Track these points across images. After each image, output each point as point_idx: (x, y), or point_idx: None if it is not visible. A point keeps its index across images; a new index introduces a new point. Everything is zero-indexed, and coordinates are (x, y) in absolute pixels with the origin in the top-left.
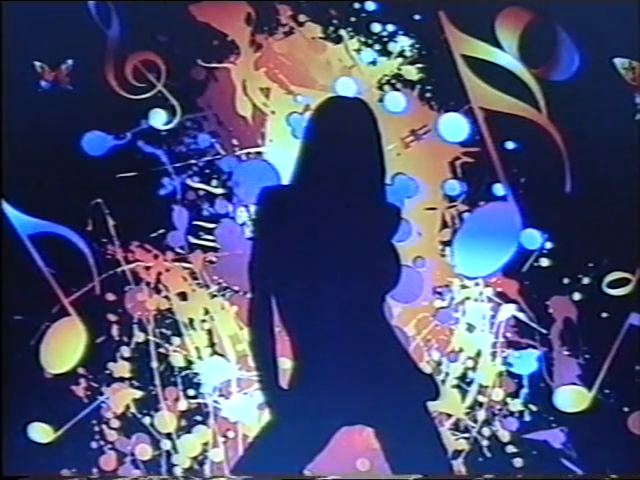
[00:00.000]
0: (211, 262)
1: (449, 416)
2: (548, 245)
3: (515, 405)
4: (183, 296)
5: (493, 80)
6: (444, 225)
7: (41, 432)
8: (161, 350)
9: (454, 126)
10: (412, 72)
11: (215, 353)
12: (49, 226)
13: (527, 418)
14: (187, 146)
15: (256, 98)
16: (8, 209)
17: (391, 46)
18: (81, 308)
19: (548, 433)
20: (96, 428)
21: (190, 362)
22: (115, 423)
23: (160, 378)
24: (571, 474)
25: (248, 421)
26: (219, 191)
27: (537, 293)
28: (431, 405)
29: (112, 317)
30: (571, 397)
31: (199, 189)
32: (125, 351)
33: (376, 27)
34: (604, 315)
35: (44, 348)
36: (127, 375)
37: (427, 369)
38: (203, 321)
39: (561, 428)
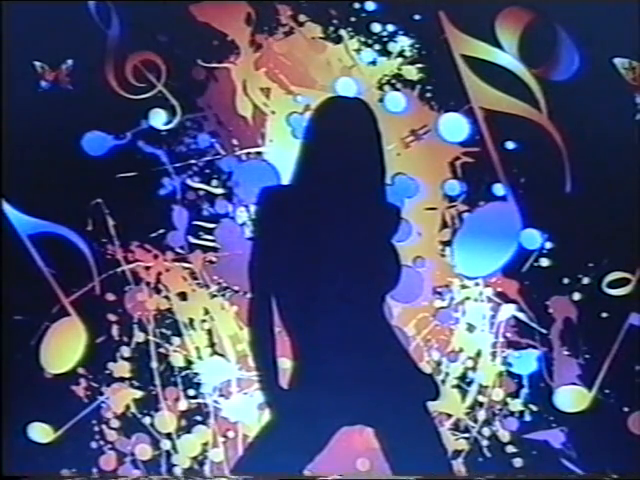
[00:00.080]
0: (211, 262)
1: (449, 416)
2: (548, 245)
3: (515, 405)
4: (183, 296)
5: (493, 80)
6: (444, 225)
7: (41, 432)
8: (161, 350)
9: (454, 126)
10: (412, 72)
11: (215, 353)
12: (49, 226)
13: (527, 418)
14: (187, 146)
15: (256, 98)
16: (8, 209)
17: (391, 46)
18: (81, 308)
19: (548, 433)
20: (96, 428)
21: (190, 362)
22: (115, 423)
23: (160, 378)
24: (571, 474)
25: (248, 421)
26: (219, 191)
27: (537, 293)
28: (431, 405)
29: (112, 317)
30: (571, 397)
31: (199, 189)
32: (125, 351)
33: (376, 27)
34: (604, 315)
35: (44, 348)
36: (127, 375)
37: (427, 369)
38: (203, 321)
39: (561, 428)
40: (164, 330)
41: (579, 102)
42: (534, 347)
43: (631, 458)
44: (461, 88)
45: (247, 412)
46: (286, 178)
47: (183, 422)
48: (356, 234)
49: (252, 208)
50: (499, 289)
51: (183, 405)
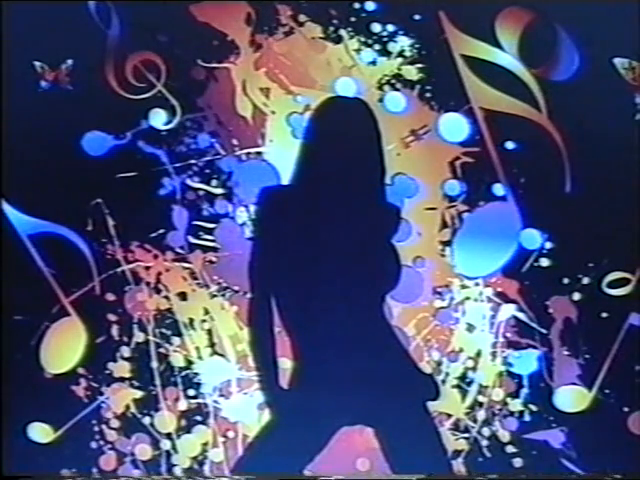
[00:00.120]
0: (211, 262)
1: (449, 416)
2: (548, 245)
3: (515, 405)
4: (183, 296)
5: (493, 80)
6: (444, 225)
7: (41, 432)
8: (161, 350)
9: (454, 126)
10: (412, 72)
11: (215, 353)
12: (49, 226)
13: (527, 418)
14: (187, 146)
15: (256, 98)
16: (8, 209)
17: (391, 46)
18: (81, 308)
19: (548, 433)
20: (96, 428)
21: (190, 362)
22: (115, 423)
23: (160, 378)
24: (571, 474)
25: (248, 421)
26: (219, 191)
27: (537, 293)
28: (431, 405)
29: (112, 317)
30: (571, 397)
31: (199, 189)
32: (125, 351)
33: (376, 27)
34: (604, 315)
35: (44, 348)
36: (127, 375)
37: (427, 369)
38: (203, 321)
39: (561, 428)
40: (164, 330)
41: (579, 102)
42: (534, 347)
43: (631, 458)
44: (461, 88)
45: (247, 412)
46: (286, 178)
47: (183, 422)
48: (356, 234)
49: (252, 208)
50: (499, 289)
51: (183, 405)
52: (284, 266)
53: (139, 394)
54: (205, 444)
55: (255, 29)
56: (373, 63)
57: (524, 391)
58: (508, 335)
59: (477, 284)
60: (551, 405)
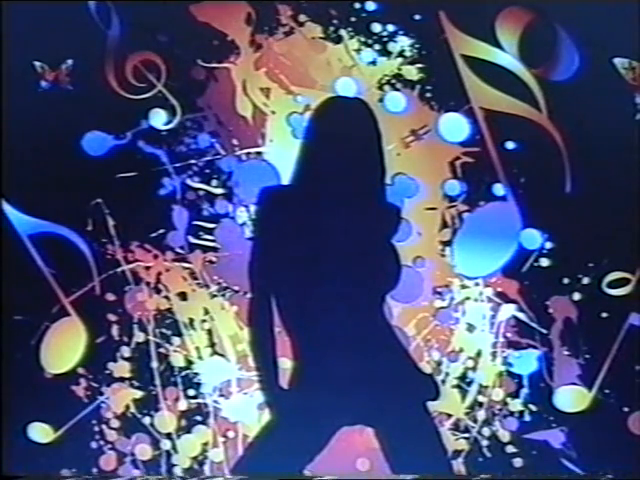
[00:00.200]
0: (211, 262)
1: (449, 416)
2: (548, 245)
3: (515, 405)
4: (183, 296)
5: (493, 80)
6: (444, 225)
7: (41, 432)
8: (161, 350)
9: (454, 126)
10: (412, 72)
11: (215, 353)
12: (49, 226)
13: (527, 418)
14: (187, 146)
15: (256, 98)
16: (8, 209)
17: (391, 46)
18: (81, 308)
19: (548, 433)
20: (96, 428)
21: (190, 362)
22: (115, 423)
23: (160, 378)
24: (571, 474)
25: (248, 421)
26: (219, 191)
27: (537, 293)
28: (431, 405)
29: (112, 317)
30: (571, 397)
31: (199, 189)
32: (125, 351)
33: (376, 27)
34: (604, 315)
35: (44, 348)
36: (127, 375)
37: (427, 369)
38: (203, 321)
39: (561, 428)
40: (164, 330)
41: (579, 102)
42: (534, 347)
43: (631, 458)
44: (461, 88)
45: (247, 412)
46: (286, 178)
47: (183, 422)
48: (356, 234)
49: (252, 208)
50: (499, 289)
51: (183, 405)
52: (284, 266)
53: (139, 394)
54: (205, 444)
55: (255, 29)
56: (373, 63)
57: (524, 391)
58: (508, 335)
59: (477, 284)
60: (551, 405)
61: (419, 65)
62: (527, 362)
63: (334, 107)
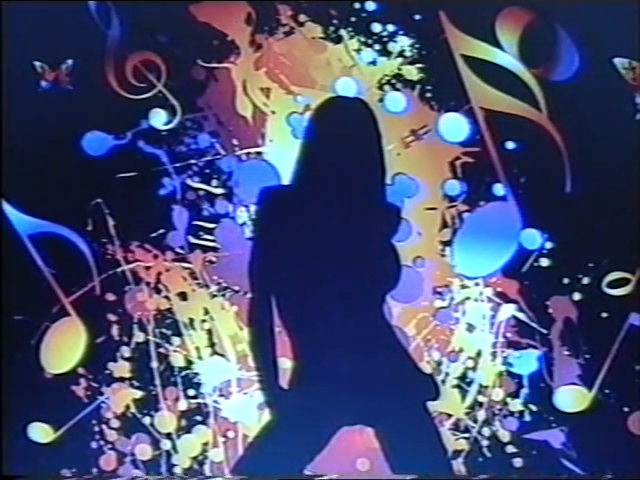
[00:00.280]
0: (211, 262)
1: (449, 416)
2: (548, 245)
3: (515, 405)
4: (183, 296)
5: (493, 80)
6: (444, 225)
7: (41, 432)
8: (161, 350)
9: (454, 126)
10: (412, 72)
11: (215, 353)
12: (49, 226)
13: (527, 418)
14: (187, 146)
15: (256, 98)
16: (8, 209)
17: (391, 46)
18: (81, 308)
19: (548, 433)
20: (96, 428)
21: (190, 362)
22: (115, 423)
23: (160, 378)
24: (571, 474)
25: (248, 421)
26: (219, 191)
27: (537, 293)
28: (431, 405)
29: (112, 317)
30: (571, 397)
31: (199, 189)
32: (125, 351)
33: (376, 27)
34: (604, 315)
35: (44, 348)
36: (127, 375)
37: (427, 369)
38: (203, 321)
39: (561, 428)
40: (164, 330)
41: (579, 102)
42: (534, 347)
43: (631, 458)
44: (461, 88)
45: (247, 412)
46: (286, 178)
47: (183, 422)
48: (356, 234)
49: (252, 208)
50: (499, 289)
51: (183, 405)
52: (284, 266)
53: (139, 394)
54: (205, 444)
55: (255, 29)
56: (373, 63)
57: (524, 391)
58: (508, 335)
59: (477, 284)
60: (551, 405)
61: (419, 65)
62: (527, 362)
63: (334, 107)
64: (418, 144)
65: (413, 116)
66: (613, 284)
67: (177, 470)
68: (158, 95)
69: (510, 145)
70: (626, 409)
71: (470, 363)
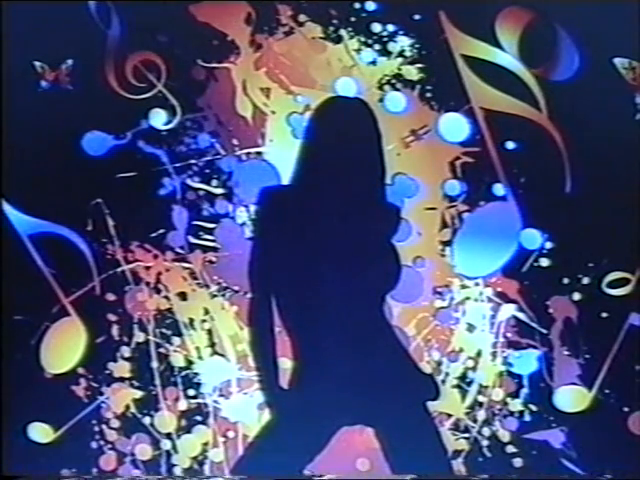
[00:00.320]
0: (211, 262)
1: (449, 416)
2: (548, 245)
3: (515, 405)
4: (183, 296)
5: (493, 80)
6: (444, 225)
7: (41, 432)
8: (161, 350)
9: (454, 126)
10: (412, 72)
11: (215, 353)
12: (49, 226)
13: (527, 418)
14: (187, 146)
15: (256, 98)
16: (8, 209)
17: (391, 46)
18: (81, 308)
19: (548, 433)
20: (96, 428)
21: (190, 362)
22: (115, 423)
23: (160, 378)
24: (571, 474)
25: (248, 421)
26: (219, 191)
27: (537, 293)
28: (431, 405)
29: (112, 317)
30: (571, 397)
31: (199, 189)
32: (125, 351)
33: (376, 27)
34: (604, 315)
35: (44, 348)
36: (127, 375)
37: (427, 369)
38: (203, 321)
39: (561, 428)
40: (164, 330)
41: (579, 102)
42: (534, 347)
43: (631, 458)
44: (461, 88)
45: (247, 412)
46: (286, 178)
47: (183, 422)
48: (356, 234)
49: (252, 208)
50: (499, 289)
51: (183, 405)
52: (284, 266)
53: (139, 394)
54: (205, 444)
55: (255, 29)
56: (373, 63)
57: (524, 391)
58: (508, 335)
59: (477, 284)
60: (551, 405)
61: (419, 65)
62: (527, 362)
63: (334, 107)
64: (418, 144)
65: (413, 116)
66: (613, 284)
67: (177, 470)
68: (158, 95)
69: (510, 145)
70: (626, 409)
71: (470, 363)
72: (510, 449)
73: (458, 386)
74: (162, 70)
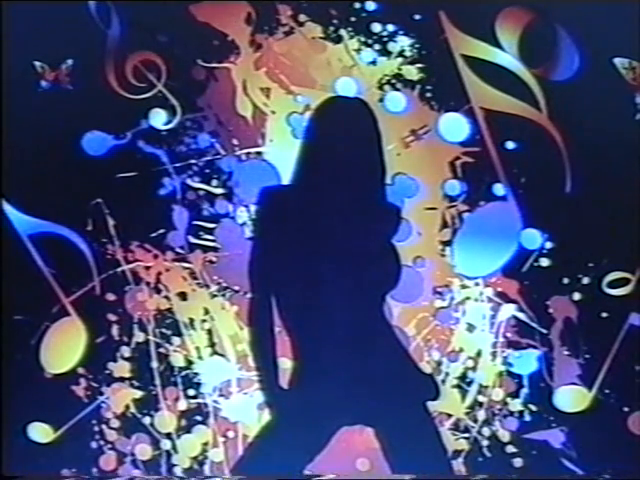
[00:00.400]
0: (211, 262)
1: (449, 416)
2: (548, 245)
3: (515, 405)
4: (183, 296)
5: (493, 80)
6: (444, 225)
7: (41, 432)
8: (161, 350)
9: (454, 126)
10: (412, 72)
11: (215, 353)
12: (49, 226)
13: (527, 418)
14: (187, 146)
15: (256, 98)
16: (8, 209)
17: (391, 46)
18: (81, 308)
19: (548, 433)
20: (96, 428)
21: (190, 362)
22: (115, 423)
23: (160, 378)
24: (571, 474)
25: (248, 421)
26: (219, 191)
27: (537, 293)
28: (431, 405)
29: (112, 317)
30: (571, 397)
31: (199, 189)
32: (125, 351)
33: (376, 27)
34: (604, 315)
35: (44, 348)
36: (127, 375)
37: (427, 369)
38: (203, 321)
39: (561, 428)
40: (164, 330)
41: (579, 102)
42: (534, 347)
43: (631, 458)
44: (461, 88)
45: (247, 412)
46: (286, 178)
47: (183, 422)
48: (356, 234)
49: (252, 208)
50: (499, 289)
51: (183, 405)
52: (284, 266)
53: (139, 394)
54: (205, 444)
55: (255, 29)
56: (373, 63)
57: (524, 391)
58: (508, 335)
59: (477, 284)
60: (551, 405)
61: (419, 65)
62: (527, 362)
63: (334, 107)
64: (418, 144)
65: (413, 116)
66: (613, 284)
67: (177, 470)
68: (158, 95)
69: (510, 145)
70: (626, 409)
71: (470, 363)
72: (510, 449)
73: (458, 386)
74: (162, 70)
